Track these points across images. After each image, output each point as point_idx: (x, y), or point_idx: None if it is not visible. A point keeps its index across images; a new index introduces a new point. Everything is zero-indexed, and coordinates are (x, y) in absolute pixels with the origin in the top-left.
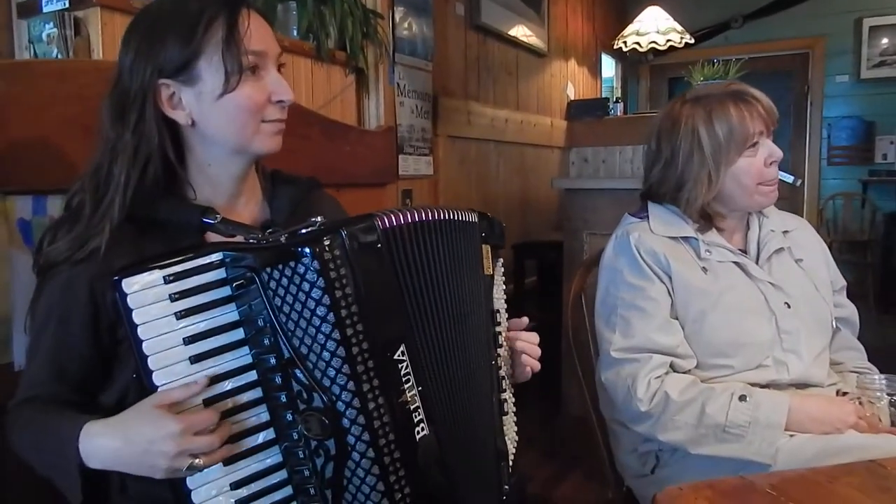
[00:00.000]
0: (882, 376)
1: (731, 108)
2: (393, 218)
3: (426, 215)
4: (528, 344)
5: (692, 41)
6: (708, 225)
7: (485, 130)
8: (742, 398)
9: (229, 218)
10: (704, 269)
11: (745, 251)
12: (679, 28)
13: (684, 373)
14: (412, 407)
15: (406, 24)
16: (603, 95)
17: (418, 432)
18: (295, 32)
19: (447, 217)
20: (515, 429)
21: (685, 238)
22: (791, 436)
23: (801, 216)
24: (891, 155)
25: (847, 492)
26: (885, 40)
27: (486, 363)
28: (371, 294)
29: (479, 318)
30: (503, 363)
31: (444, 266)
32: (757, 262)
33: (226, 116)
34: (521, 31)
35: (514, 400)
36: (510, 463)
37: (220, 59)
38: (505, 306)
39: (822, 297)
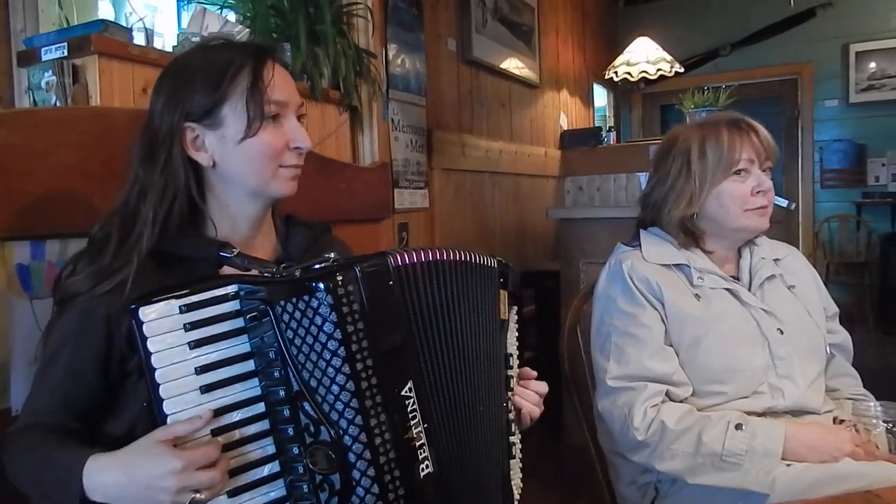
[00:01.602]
0: (878, 403)
1: (725, 132)
2: (406, 256)
3: (439, 255)
4: (533, 393)
5: (682, 70)
6: (690, 241)
7: (479, 162)
8: (738, 427)
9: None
10: (697, 296)
11: (737, 278)
12: (668, 57)
13: (680, 401)
14: (417, 444)
15: (399, 61)
16: (596, 124)
17: (422, 469)
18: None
19: (462, 259)
20: (521, 475)
21: (678, 266)
22: (788, 465)
23: (797, 239)
24: (883, 177)
25: None
26: (872, 64)
27: (497, 405)
28: (382, 330)
29: (493, 360)
30: (513, 407)
31: (457, 306)
32: (749, 289)
33: (246, 159)
34: (512, 64)
35: (520, 445)
36: None
37: (244, 106)
38: (517, 353)
39: (816, 324)
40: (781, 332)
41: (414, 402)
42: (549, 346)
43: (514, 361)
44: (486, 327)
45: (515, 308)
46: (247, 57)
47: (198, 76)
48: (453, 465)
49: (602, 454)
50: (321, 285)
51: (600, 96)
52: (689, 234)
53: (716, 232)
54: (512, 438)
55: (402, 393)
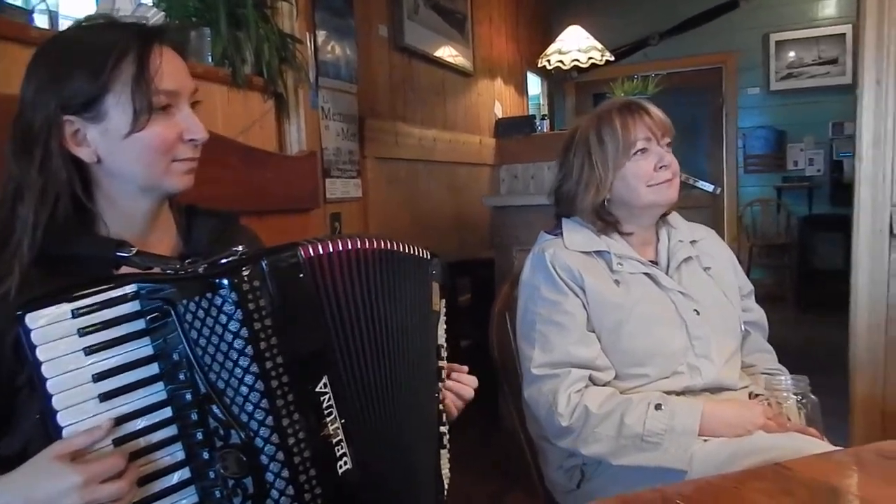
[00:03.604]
0: (789, 377)
1: (618, 117)
2: (320, 247)
3: (360, 245)
4: (462, 385)
5: (612, 58)
6: (607, 228)
7: (413, 151)
8: (658, 407)
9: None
10: (617, 282)
11: (656, 262)
12: (599, 46)
13: (603, 385)
14: (335, 440)
15: (329, 48)
16: (530, 113)
17: (341, 466)
18: (210, 59)
19: (389, 248)
20: (449, 465)
21: (598, 252)
22: (705, 440)
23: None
24: (801, 161)
25: (754, 497)
26: (791, 54)
27: (428, 397)
28: (292, 326)
29: (423, 352)
30: (443, 397)
31: (381, 297)
32: (667, 273)
33: (133, 155)
34: (446, 52)
35: (448, 436)
36: (444, 497)
37: (129, 98)
38: (445, 345)
39: (731, 303)
40: (698, 313)
41: (330, 398)
42: (484, 335)
43: (444, 353)
44: (415, 319)
45: (444, 300)
46: (131, 40)
47: (75, 61)
48: (377, 460)
49: (531, 440)
50: (225, 281)
51: (534, 85)
52: (605, 222)
53: (630, 213)
54: (442, 429)
55: (317, 389)
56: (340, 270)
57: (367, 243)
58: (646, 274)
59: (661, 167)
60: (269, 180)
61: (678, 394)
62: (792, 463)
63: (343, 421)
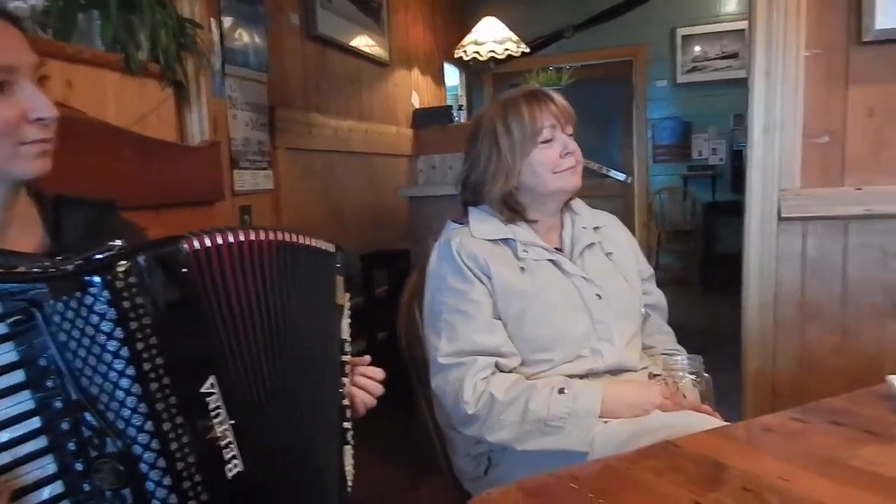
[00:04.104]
0: (685, 356)
1: (524, 105)
2: (206, 239)
3: (254, 237)
4: (370, 382)
5: (528, 50)
6: (514, 216)
7: (328, 141)
8: (561, 391)
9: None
10: (522, 269)
11: (560, 249)
12: (515, 37)
13: (509, 371)
14: (223, 443)
15: (236, 34)
16: (447, 103)
17: (230, 469)
18: (100, 43)
19: (288, 240)
20: (353, 461)
21: (504, 240)
22: (606, 422)
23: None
24: (705, 151)
25: (643, 476)
26: (696, 48)
27: (331, 392)
28: (173, 324)
29: (326, 346)
30: (347, 393)
31: (277, 291)
32: (571, 259)
33: None
34: (361, 42)
35: (352, 432)
36: (348, 493)
37: None
38: (350, 339)
39: (631, 287)
40: (600, 298)
41: (217, 398)
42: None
43: (349, 347)
44: (316, 313)
45: (349, 294)
46: None
47: None
48: (274, 459)
49: (440, 430)
50: (97, 279)
51: (452, 75)
52: (512, 210)
53: (536, 200)
54: (346, 424)
55: (202, 390)
56: (231, 264)
57: (261, 235)
58: (550, 260)
59: (566, 154)
60: (168, 172)
61: (581, 377)
62: (682, 440)
63: (234, 422)
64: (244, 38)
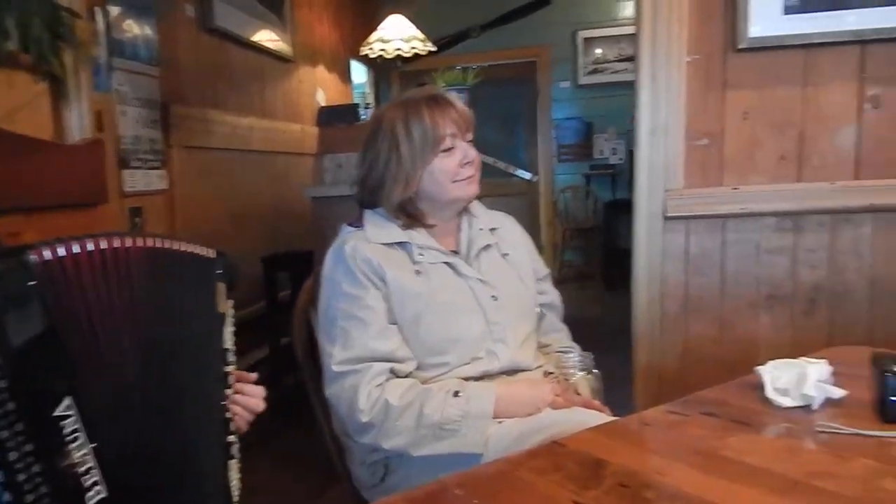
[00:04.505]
0: (577, 354)
1: (426, 110)
2: (60, 249)
3: (115, 245)
4: (249, 399)
5: (435, 49)
6: (412, 222)
7: (227, 139)
8: (456, 394)
9: None
10: (418, 272)
11: (457, 251)
12: (421, 36)
13: (405, 376)
14: (82, 469)
15: (125, 26)
16: (355, 101)
17: (91, 497)
18: None
19: (152, 247)
20: (239, 475)
21: (400, 243)
22: (500, 422)
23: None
24: (606, 151)
25: (527, 477)
26: (598, 50)
27: (212, 405)
28: (20, 344)
29: (205, 358)
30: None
31: (143, 303)
32: (468, 261)
33: None
34: (263, 36)
35: (238, 445)
36: None
37: None
38: (234, 348)
39: (527, 287)
40: (495, 299)
41: (75, 420)
42: None
43: (232, 357)
44: (195, 323)
45: (231, 301)
46: None
47: None
48: (145, 481)
49: (337, 438)
50: None
51: (360, 73)
52: (410, 216)
53: (434, 207)
54: (230, 438)
55: (56, 414)
56: (92, 275)
57: (127, 242)
58: (446, 263)
59: (465, 163)
60: (41, 172)
61: (477, 379)
62: (567, 439)
63: (95, 445)
64: (134, 29)
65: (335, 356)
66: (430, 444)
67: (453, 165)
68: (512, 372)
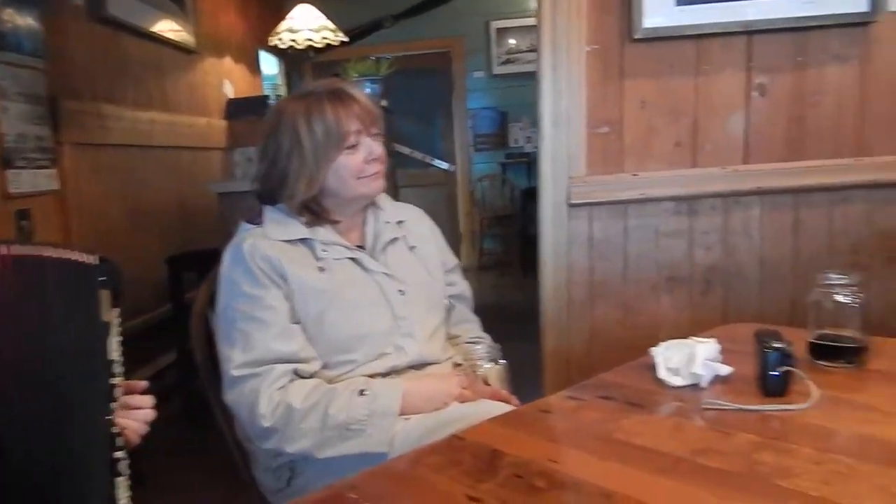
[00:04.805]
0: (486, 345)
1: (329, 106)
2: None
3: None
4: (140, 411)
5: (347, 39)
6: (316, 220)
7: (126, 135)
8: (361, 392)
9: None
10: (321, 269)
11: (363, 246)
12: (332, 26)
13: (310, 376)
14: None
15: (5, 16)
16: (265, 93)
17: None
18: None
19: (22, 256)
20: (129, 493)
21: (302, 240)
22: (407, 419)
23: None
24: (521, 139)
25: (424, 474)
26: (511, 41)
27: (98, 419)
28: None
29: (88, 369)
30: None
31: (14, 315)
32: (374, 255)
33: None
34: (163, 26)
35: (128, 461)
36: None
37: None
38: (122, 358)
39: (434, 280)
40: (402, 293)
41: None
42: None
43: (119, 368)
44: (73, 333)
45: (118, 310)
46: None
47: None
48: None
49: (240, 444)
50: None
51: (271, 64)
52: (314, 214)
53: (338, 203)
54: (118, 455)
55: None
56: None
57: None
58: (351, 259)
59: (371, 160)
60: None
61: (384, 375)
62: (466, 432)
63: None
64: (15, 19)
65: (234, 360)
66: (335, 446)
67: (358, 162)
68: (420, 366)
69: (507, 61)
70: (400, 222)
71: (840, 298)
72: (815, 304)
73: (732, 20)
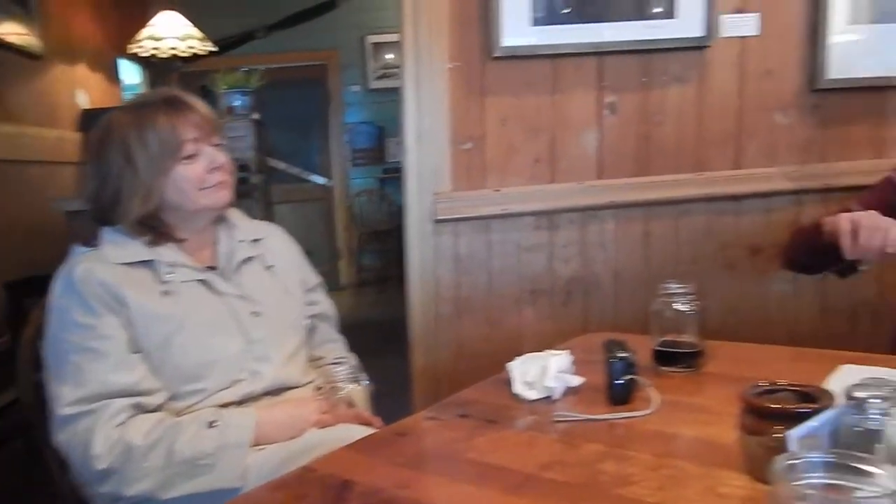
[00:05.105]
0: (348, 365)
1: (163, 115)
2: None
3: None
4: None
5: (215, 49)
6: (159, 239)
7: None
8: (210, 424)
9: None
10: (166, 293)
11: (214, 267)
12: (199, 34)
13: (154, 410)
14: None
15: None
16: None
17: None
18: None
19: None
20: None
21: (144, 262)
22: (261, 449)
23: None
24: (398, 154)
25: None
26: (387, 56)
27: None
28: None
29: None
30: None
31: None
32: (226, 276)
33: None
34: (3, 29)
35: None
36: None
37: None
38: None
39: (293, 299)
40: (257, 315)
41: None
42: None
43: None
44: None
45: None
46: None
47: None
48: None
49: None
50: None
51: (133, 73)
52: (156, 232)
53: (182, 218)
54: None
55: None
56: None
57: None
58: (199, 281)
59: (213, 169)
60: None
61: (239, 403)
62: (317, 462)
63: None
64: None
65: (64, 397)
66: (181, 484)
67: (199, 172)
68: (278, 391)
69: (384, 76)
70: (256, 240)
71: (679, 307)
72: (656, 313)
73: (584, 41)
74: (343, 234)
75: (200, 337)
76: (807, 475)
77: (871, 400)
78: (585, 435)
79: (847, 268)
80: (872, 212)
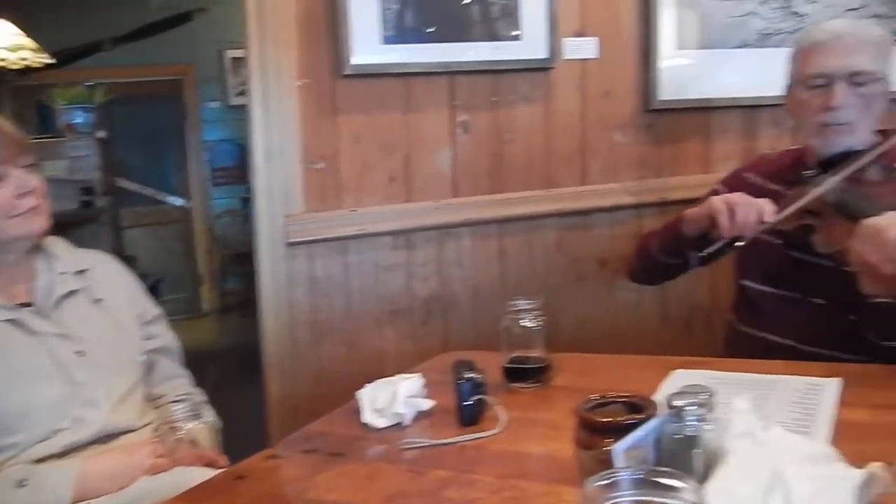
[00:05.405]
0: (188, 402)
1: None
2: None
3: None
4: None
5: (53, 61)
6: None
7: None
8: (21, 484)
9: None
10: None
11: (31, 303)
12: (33, 45)
13: None
14: None
15: None
16: None
17: None
18: None
19: None
20: None
21: None
22: None
23: (195, 236)
24: None
25: None
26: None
27: None
28: None
29: None
30: None
31: None
32: (45, 313)
33: None
34: None
35: None
36: None
37: None
38: None
39: (127, 335)
40: (81, 355)
41: None
42: None
43: None
44: None
45: None
46: None
47: None
48: None
49: None
50: None
51: None
52: None
53: None
54: None
55: None
56: None
57: None
58: (9, 320)
59: (23, 194)
60: None
61: (60, 455)
62: None
63: None
64: None
65: None
66: None
67: (7, 198)
68: (108, 438)
69: (244, 92)
70: (81, 272)
71: (526, 323)
72: (505, 330)
73: (435, 61)
74: (204, 257)
75: (11, 385)
76: (615, 494)
77: (688, 408)
78: (433, 461)
79: (716, 252)
80: (739, 192)
